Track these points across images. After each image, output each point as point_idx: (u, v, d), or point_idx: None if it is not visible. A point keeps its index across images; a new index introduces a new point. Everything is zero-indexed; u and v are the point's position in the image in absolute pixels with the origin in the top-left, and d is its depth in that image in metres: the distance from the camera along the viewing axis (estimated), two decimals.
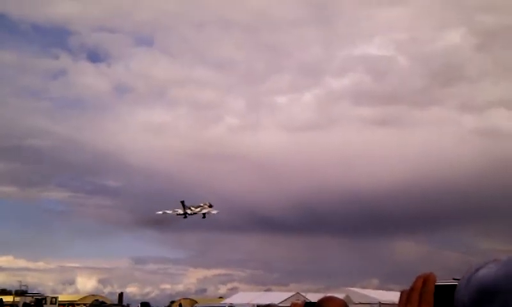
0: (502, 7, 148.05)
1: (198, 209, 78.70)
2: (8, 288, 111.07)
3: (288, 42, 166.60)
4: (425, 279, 1.53)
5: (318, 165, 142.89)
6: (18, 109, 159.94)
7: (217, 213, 79.28)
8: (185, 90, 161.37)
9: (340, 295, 23.02)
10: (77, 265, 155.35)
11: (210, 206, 78.42)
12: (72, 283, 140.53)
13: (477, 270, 1.49)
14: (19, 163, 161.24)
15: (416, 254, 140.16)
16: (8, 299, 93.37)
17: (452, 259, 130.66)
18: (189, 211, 77.38)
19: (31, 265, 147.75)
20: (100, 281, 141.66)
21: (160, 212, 79.45)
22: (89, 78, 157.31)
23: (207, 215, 77.43)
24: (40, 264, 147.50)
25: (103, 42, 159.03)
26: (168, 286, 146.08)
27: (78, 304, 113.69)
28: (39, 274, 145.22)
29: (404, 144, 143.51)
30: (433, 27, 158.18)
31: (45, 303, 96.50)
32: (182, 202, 76.93)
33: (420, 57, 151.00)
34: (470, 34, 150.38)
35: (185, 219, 79.30)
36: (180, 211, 77.65)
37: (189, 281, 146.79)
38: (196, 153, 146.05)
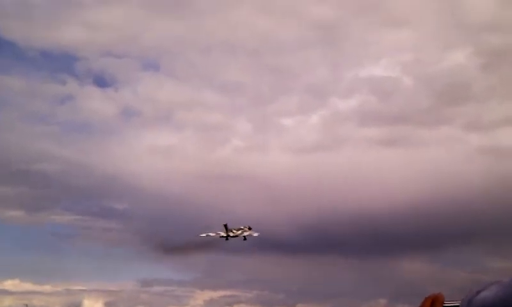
0: (507, 27, 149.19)
1: (239, 232, 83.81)
2: None
3: (294, 64, 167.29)
4: (434, 300, 1.53)
5: (325, 186, 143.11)
6: (26, 134, 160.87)
7: (258, 235, 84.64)
8: (192, 113, 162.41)
9: None
10: (83, 287, 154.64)
11: (250, 228, 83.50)
12: (78, 305, 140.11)
13: (478, 292, 1.50)
14: (27, 187, 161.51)
15: (424, 273, 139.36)
16: None
17: (460, 279, 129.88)
18: (231, 234, 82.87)
19: (37, 288, 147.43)
20: (107, 304, 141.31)
21: (204, 235, 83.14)
22: (96, 103, 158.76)
23: (247, 238, 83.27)
24: (47, 287, 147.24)
25: (110, 67, 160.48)
26: None
27: None
28: (46, 297, 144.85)
29: (411, 164, 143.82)
30: (438, 47, 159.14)
31: None
32: (225, 225, 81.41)
33: (426, 78, 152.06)
34: (475, 54, 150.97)
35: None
36: (223, 234, 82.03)
37: (195, 302, 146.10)
38: (203, 174, 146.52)
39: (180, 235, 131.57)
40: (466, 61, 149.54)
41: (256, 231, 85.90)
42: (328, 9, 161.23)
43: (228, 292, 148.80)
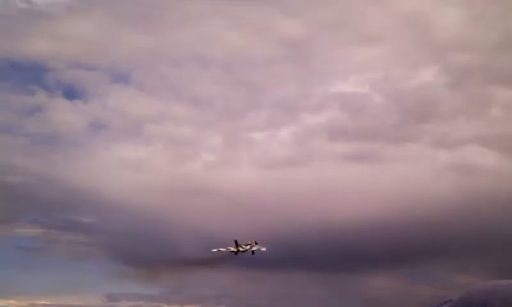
0: (473, 46, 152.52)
1: (248, 247, 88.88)
2: None
3: (264, 79, 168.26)
4: None
5: (294, 201, 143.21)
6: None
7: (266, 250, 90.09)
8: (162, 127, 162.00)
9: None
10: (48, 302, 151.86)
11: (256, 243, 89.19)
12: None
13: None
14: None
15: (391, 289, 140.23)
16: None
17: (426, 294, 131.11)
18: (240, 249, 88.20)
19: (2, 302, 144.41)
20: None
21: (215, 250, 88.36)
22: (65, 115, 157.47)
23: (256, 252, 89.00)
24: (11, 302, 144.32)
25: (79, 79, 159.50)
26: None
27: None
28: None
29: (379, 180, 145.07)
30: (407, 65, 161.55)
31: None
32: (235, 241, 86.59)
33: (394, 95, 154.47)
34: (442, 73, 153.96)
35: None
36: (233, 249, 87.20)
37: None
38: (172, 189, 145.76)
39: (150, 250, 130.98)
40: (434, 79, 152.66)
41: (263, 246, 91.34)
42: (298, 27, 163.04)
43: None
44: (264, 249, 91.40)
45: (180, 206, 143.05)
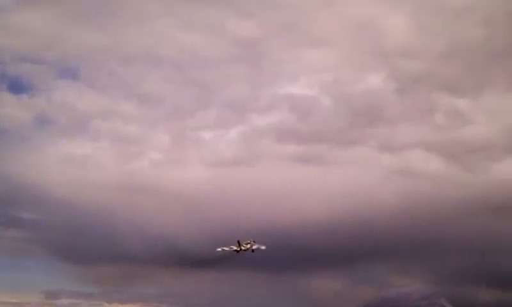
0: (420, 54, 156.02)
1: (249, 245, 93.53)
2: None
3: (214, 79, 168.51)
4: None
5: (241, 200, 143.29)
6: None
7: (265, 249, 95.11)
8: (109, 123, 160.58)
9: None
10: None
11: (254, 241, 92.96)
12: None
13: None
14: None
15: (333, 289, 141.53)
16: None
17: (366, 294, 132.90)
18: (242, 247, 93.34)
19: None
20: None
21: (220, 249, 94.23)
22: (9, 109, 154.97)
23: (255, 251, 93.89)
24: None
25: (25, 73, 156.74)
26: None
27: None
28: None
29: (325, 182, 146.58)
30: (356, 69, 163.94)
31: None
32: (238, 241, 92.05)
33: (343, 98, 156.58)
34: (390, 78, 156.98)
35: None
36: (236, 248, 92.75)
37: None
38: (118, 186, 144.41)
39: (94, 248, 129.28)
40: (382, 84, 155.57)
41: (263, 244, 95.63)
42: (250, 28, 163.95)
43: (138, 306, 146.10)
44: (263, 247, 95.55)
45: (126, 204, 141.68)
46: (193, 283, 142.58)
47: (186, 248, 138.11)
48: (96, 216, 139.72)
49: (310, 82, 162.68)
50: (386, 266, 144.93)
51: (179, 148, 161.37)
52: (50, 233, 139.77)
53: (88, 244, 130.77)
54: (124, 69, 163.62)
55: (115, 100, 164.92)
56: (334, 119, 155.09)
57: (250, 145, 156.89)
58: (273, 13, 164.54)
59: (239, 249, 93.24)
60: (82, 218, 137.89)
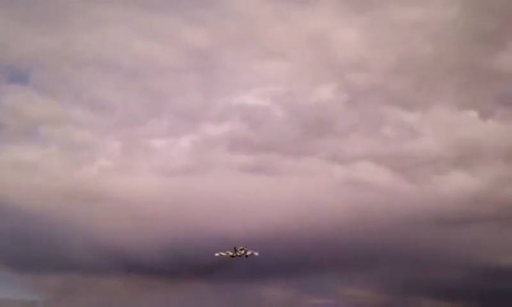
0: (371, 68, 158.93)
1: (243, 251, 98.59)
2: None
3: (168, 87, 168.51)
4: None
5: (191, 209, 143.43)
6: None
7: (258, 255, 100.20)
8: (59, 129, 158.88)
9: None
10: None
11: (246, 248, 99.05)
12: None
13: None
14: None
15: (282, 298, 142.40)
16: None
17: (316, 304, 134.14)
18: (237, 253, 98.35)
19: None
20: None
21: (217, 254, 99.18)
22: None
23: (249, 256, 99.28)
24: None
25: None
26: None
27: None
28: None
29: (276, 192, 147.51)
30: (308, 82, 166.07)
31: None
32: (235, 247, 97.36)
33: (295, 109, 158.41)
34: (341, 91, 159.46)
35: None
36: (231, 253, 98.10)
37: None
38: (66, 193, 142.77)
39: (39, 255, 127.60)
40: (333, 97, 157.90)
41: (256, 251, 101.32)
42: (204, 38, 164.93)
43: None
44: (256, 253, 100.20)
45: (75, 212, 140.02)
46: (141, 291, 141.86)
47: (135, 257, 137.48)
48: (43, 223, 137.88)
49: (262, 93, 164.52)
50: (335, 276, 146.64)
51: (130, 156, 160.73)
52: None
53: (32, 251, 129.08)
54: (76, 75, 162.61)
55: (66, 105, 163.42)
56: (285, 130, 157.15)
57: (202, 154, 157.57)
58: (228, 24, 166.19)
59: (234, 255, 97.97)
60: (28, 225, 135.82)
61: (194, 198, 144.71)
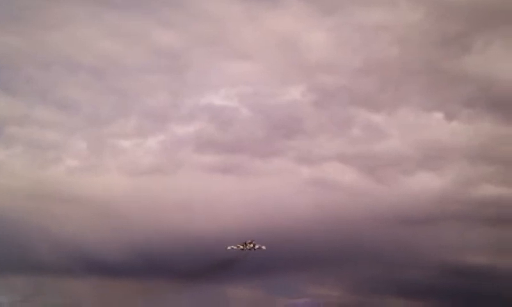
0: (338, 68, 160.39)
1: (251, 245, 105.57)
2: None
3: (135, 87, 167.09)
4: None
5: (159, 209, 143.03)
6: None
7: (265, 249, 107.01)
8: (24, 129, 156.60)
9: None
10: None
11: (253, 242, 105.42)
12: None
13: None
14: None
15: (248, 299, 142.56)
16: None
17: (281, 305, 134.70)
18: (247, 246, 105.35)
19: None
20: None
21: (229, 248, 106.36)
22: None
23: (257, 249, 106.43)
24: None
25: None
26: None
27: None
28: None
29: (244, 192, 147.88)
30: (276, 82, 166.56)
31: None
32: (245, 241, 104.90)
33: (263, 110, 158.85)
34: (309, 92, 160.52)
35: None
36: (242, 246, 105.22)
37: None
38: (31, 193, 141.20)
39: (5, 256, 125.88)
40: (301, 98, 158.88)
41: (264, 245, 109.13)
42: (173, 38, 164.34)
43: None
44: (264, 247, 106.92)
45: (40, 212, 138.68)
46: (107, 292, 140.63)
47: (102, 258, 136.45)
48: (8, 223, 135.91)
49: (231, 93, 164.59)
50: (302, 276, 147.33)
51: (97, 156, 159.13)
52: None
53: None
54: (42, 74, 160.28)
55: (31, 105, 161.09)
56: (254, 130, 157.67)
57: (169, 154, 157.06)
58: (196, 24, 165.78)
59: (244, 248, 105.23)
60: None
61: (162, 198, 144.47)
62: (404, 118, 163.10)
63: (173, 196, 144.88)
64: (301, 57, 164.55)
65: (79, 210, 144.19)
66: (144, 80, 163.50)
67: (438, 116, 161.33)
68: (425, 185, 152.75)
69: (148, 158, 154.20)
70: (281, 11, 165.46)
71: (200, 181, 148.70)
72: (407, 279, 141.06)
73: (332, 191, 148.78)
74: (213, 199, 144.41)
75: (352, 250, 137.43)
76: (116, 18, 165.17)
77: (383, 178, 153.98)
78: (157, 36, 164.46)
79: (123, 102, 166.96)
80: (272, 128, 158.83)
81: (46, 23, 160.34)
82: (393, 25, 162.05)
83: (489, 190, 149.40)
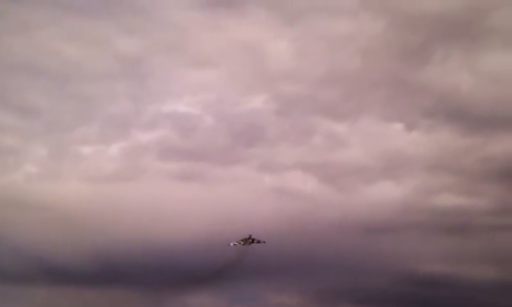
0: (300, 78, 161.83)
1: (251, 240, 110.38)
2: None
3: (97, 94, 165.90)
4: None
5: (121, 217, 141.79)
6: None
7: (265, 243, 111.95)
8: None
9: None
10: None
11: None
12: None
13: None
14: None
15: None
16: None
17: None
18: (248, 241, 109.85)
19: None
20: None
21: (232, 244, 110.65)
22: None
23: (257, 243, 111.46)
24: None
25: None
26: None
27: None
28: None
29: (206, 200, 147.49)
30: (239, 91, 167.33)
31: None
32: (250, 235, 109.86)
33: (225, 118, 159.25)
34: (272, 100, 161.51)
35: None
36: (242, 242, 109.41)
37: None
38: None
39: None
40: (263, 106, 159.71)
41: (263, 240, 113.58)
42: (135, 45, 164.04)
43: None
44: (264, 241, 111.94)
45: None
46: (66, 300, 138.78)
47: (62, 266, 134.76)
48: None
49: (193, 101, 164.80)
50: (264, 284, 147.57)
51: (57, 162, 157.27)
52: None
53: None
54: (2, 79, 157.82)
55: None
56: (216, 138, 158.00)
57: (131, 161, 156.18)
58: (160, 31, 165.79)
59: (245, 243, 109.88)
60: None
61: (124, 206, 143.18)
62: (365, 127, 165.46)
63: (135, 204, 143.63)
64: (264, 66, 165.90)
65: (38, 217, 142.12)
66: (107, 86, 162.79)
67: (399, 126, 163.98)
68: (386, 194, 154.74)
69: (109, 165, 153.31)
70: (244, 19, 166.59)
71: (162, 189, 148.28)
72: (368, 287, 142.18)
73: (294, 199, 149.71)
74: (175, 206, 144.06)
75: (314, 258, 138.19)
76: (79, 24, 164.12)
77: (344, 187, 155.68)
78: (120, 42, 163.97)
79: (85, 108, 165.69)
80: (235, 136, 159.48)
81: (7, 28, 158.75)
82: (355, 36, 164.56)
83: (448, 200, 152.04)
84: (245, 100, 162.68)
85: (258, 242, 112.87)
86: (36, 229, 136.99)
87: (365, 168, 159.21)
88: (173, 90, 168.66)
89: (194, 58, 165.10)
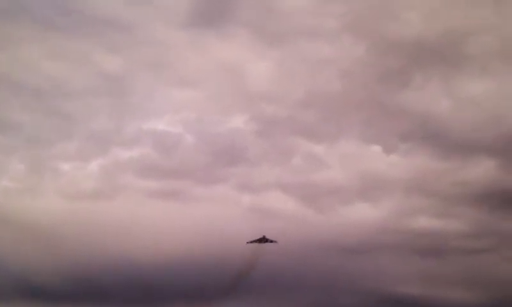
0: (281, 100, 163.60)
1: (266, 239, 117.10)
2: None
3: (78, 110, 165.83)
4: None
5: (98, 234, 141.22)
6: None
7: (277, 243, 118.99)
8: None
9: None
10: None
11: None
12: None
13: None
14: None
15: None
16: None
17: None
18: (263, 240, 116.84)
19: None
20: None
21: (248, 242, 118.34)
22: None
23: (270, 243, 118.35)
24: None
25: None
26: None
27: None
28: None
29: (185, 218, 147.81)
30: (220, 110, 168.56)
31: None
32: (264, 236, 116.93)
33: (206, 137, 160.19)
34: (252, 121, 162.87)
35: None
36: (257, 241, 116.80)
37: None
38: None
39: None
40: (244, 126, 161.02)
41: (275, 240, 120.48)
42: (117, 62, 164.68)
43: None
44: (276, 241, 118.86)
45: None
46: None
47: (39, 282, 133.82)
48: None
49: (174, 119, 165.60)
50: (242, 302, 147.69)
51: (35, 178, 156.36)
52: None
53: None
54: None
55: None
56: (196, 157, 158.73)
57: (111, 178, 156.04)
58: (141, 49, 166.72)
59: (260, 241, 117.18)
60: None
61: (102, 223, 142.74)
62: (344, 149, 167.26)
63: (114, 221, 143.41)
64: (246, 87, 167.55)
65: (16, 233, 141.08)
66: (87, 103, 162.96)
67: (377, 148, 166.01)
68: (363, 215, 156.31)
69: (88, 182, 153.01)
70: (227, 40, 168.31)
71: (141, 207, 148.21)
72: (343, 306, 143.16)
73: (273, 219, 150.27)
74: (154, 224, 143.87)
75: (291, 277, 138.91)
76: (60, 40, 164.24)
77: (322, 207, 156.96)
78: (101, 59, 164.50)
79: (65, 124, 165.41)
80: (215, 156, 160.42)
81: None
82: (336, 60, 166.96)
83: (424, 222, 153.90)
84: (226, 120, 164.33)
85: (271, 241, 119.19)
86: (13, 246, 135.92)
87: (343, 189, 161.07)
88: (154, 108, 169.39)
89: (176, 77, 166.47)
